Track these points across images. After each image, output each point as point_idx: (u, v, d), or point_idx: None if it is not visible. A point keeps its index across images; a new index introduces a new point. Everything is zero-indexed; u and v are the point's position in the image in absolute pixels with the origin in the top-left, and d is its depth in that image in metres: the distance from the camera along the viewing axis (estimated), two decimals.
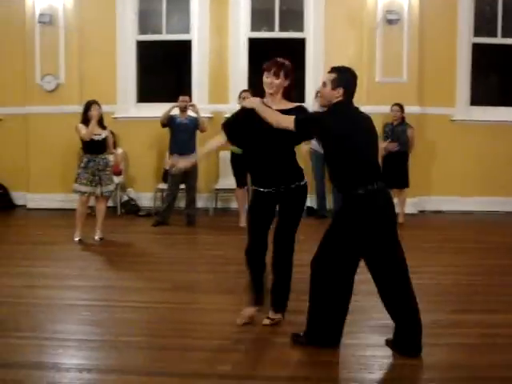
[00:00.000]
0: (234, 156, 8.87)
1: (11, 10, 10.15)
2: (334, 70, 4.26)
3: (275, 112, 4.42)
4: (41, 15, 9.84)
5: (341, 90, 4.21)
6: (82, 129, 7.66)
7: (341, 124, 4.17)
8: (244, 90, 9.01)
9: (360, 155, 4.16)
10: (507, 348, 4.33)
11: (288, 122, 4.27)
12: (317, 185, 9.54)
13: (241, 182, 8.94)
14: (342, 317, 4.24)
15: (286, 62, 4.61)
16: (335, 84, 4.21)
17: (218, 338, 4.50)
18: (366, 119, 4.41)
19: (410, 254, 6.80)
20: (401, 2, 9.67)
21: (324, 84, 4.27)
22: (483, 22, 10.26)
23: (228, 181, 9.59)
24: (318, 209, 9.64)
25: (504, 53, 10.47)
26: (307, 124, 4.30)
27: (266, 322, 4.70)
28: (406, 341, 4.16)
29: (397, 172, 9.06)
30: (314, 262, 4.24)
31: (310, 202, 9.88)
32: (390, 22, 9.65)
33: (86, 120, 7.68)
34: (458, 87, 10.16)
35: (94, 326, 4.76)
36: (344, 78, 4.24)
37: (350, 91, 4.28)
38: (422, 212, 10.04)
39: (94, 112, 7.63)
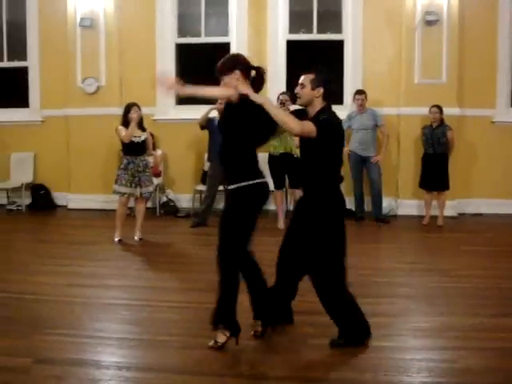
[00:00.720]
0: (271, 158, 8.91)
1: (53, 15, 10.36)
2: (311, 70, 4.32)
3: (285, 112, 4.43)
4: (82, 19, 10.00)
5: (321, 90, 4.28)
6: (122, 131, 7.76)
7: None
8: (282, 93, 9.03)
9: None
10: None
11: (296, 123, 4.20)
12: (355, 186, 9.52)
13: (279, 184, 8.97)
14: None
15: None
16: (315, 84, 4.28)
17: (254, 339, 4.53)
18: None
19: (449, 258, 6.82)
20: (440, 2, 9.57)
21: (302, 85, 4.32)
22: None
23: None
24: (356, 211, 9.61)
25: None
26: (328, 127, 4.29)
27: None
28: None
29: (437, 174, 9.01)
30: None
31: (349, 203, 9.88)
32: (428, 23, 9.57)
33: (126, 122, 7.78)
34: (499, 88, 10.02)
35: (132, 325, 4.83)
36: (322, 77, 4.31)
37: (329, 90, 4.33)
38: (461, 215, 9.93)
39: (133, 114, 7.73)
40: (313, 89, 4.28)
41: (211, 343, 4.31)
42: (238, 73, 4.49)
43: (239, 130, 4.32)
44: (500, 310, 5.21)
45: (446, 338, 4.25)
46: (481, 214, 10.01)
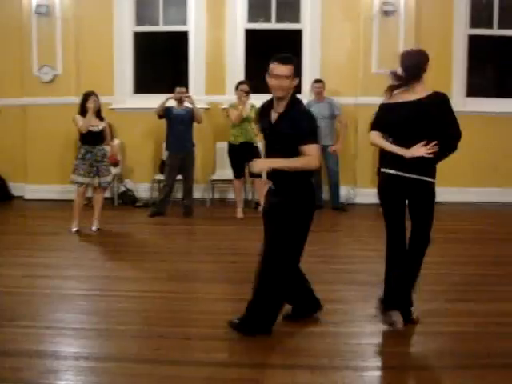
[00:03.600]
0: (231, 147, 8.93)
1: (8, 2, 10.16)
2: (289, 60, 4.18)
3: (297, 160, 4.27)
4: (38, 6, 9.81)
5: (297, 79, 4.24)
6: (80, 120, 7.68)
7: None
8: (241, 82, 9.05)
9: None
10: (498, 336, 4.40)
11: (315, 160, 4.25)
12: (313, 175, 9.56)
13: (238, 173, 8.99)
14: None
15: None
16: (295, 74, 4.20)
17: (214, 326, 4.55)
18: None
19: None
20: None
21: (287, 77, 4.14)
22: (479, 14, 10.27)
23: (225, 171, 9.63)
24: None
25: (500, 44, 10.50)
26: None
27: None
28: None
29: None
30: None
31: None
32: (386, 13, 9.66)
33: (83, 111, 7.70)
34: (454, 78, 10.17)
35: (91, 316, 4.81)
36: (297, 67, 4.27)
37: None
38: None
39: (91, 103, 7.66)
40: (293, 79, 4.17)
41: None
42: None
43: None
44: (455, 295, 5.32)
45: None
46: (441, 203, 10.11)
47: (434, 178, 4.52)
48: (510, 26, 10.26)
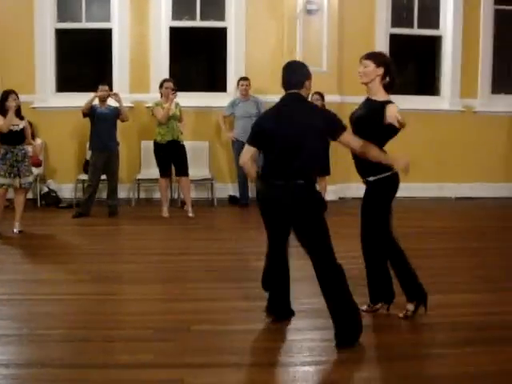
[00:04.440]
0: (157, 146, 8.85)
1: None
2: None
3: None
4: None
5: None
6: (0, 119, 7.48)
7: None
8: (165, 80, 8.99)
9: None
10: (416, 327, 4.60)
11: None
12: (239, 173, 9.58)
13: (164, 172, 8.92)
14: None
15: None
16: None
17: (139, 327, 4.52)
18: None
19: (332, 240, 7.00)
20: None
21: None
22: (400, 13, 10.54)
23: (150, 170, 9.54)
24: (240, 197, 9.71)
25: (420, 43, 10.80)
26: None
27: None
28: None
29: None
30: None
31: (233, 190, 9.99)
32: (309, 12, 9.77)
33: (3, 110, 7.49)
34: None
35: (10, 321, 4.67)
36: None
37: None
38: (342, 199, 10.25)
39: (11, 102, 7.46)
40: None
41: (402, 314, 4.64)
42: (381, 70, 4.56)
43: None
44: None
45: (327, 318, 4.37)
46: (361, 198, 10.32)
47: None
48: (429, 26, 10.59)
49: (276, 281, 4.56)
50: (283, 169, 4.21)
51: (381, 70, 4.55)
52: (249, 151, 4.41)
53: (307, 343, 4.28)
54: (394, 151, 10.01)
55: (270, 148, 4.27)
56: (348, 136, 4.38)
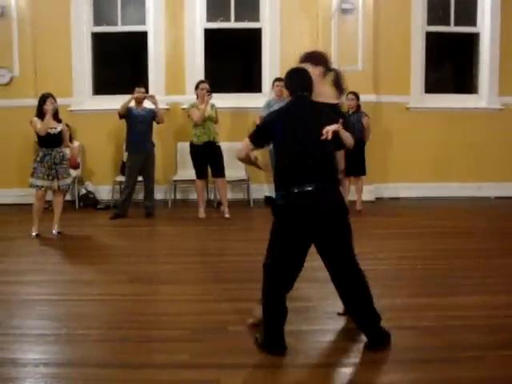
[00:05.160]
0: (194, 147, 8.89)
1: None
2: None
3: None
4: None
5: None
6: (38, 123, 7.58)
7: None
8: (201, 81, 9.03)
9: None
10: (456, 330, 4.44)
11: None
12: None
13: (201, 173, 8.95)
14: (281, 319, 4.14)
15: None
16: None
17: (176, 328, 4.53)
18: None
19: (368, 241, 6.98)
20: None
21: None
22: (436, 11, 10.42)
23: (186, 172, 9.59)
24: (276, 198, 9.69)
25: (456, 41, 10.66)
26: None
27: None
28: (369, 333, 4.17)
29: (354, 160, 9.14)
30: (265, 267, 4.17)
31: (269, 191, 9.97)
32: (344, 11, 9.73)
33: (41, 113, 7.60)
34: (413, 75, 10.30)
35: (51, 321, 4.74)
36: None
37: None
38: (379, 199, 10.17)
39: (49, 105, 7.56)
40: None
41: None
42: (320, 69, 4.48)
43: None
44: (415, 290, 5.38)
45: None
46: (398, 198, 10.27)
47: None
48: (466, 23, 10.44)
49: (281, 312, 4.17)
50: (309, 172, 4.04)
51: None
52: (248, 147, 4.29)
53: (340, 344, 4.26)
54: (432, 150, 10.07)
55: (285, 151, 4.11)
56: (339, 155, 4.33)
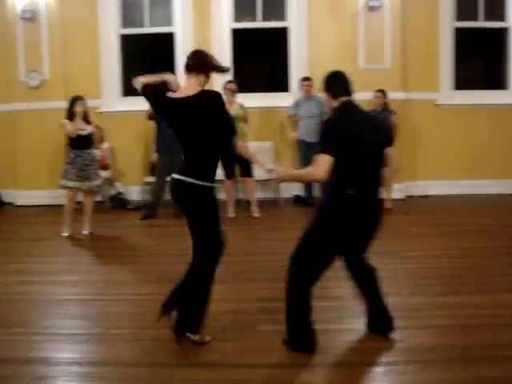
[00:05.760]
0: None
1: None
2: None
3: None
4: (23, 11, 9.80)
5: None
6: (68, 125, 7.66)
7: None
8: (229, 81, 9.04)
9: None
10: (491, 328, 4.41)
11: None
12: None
13: (229, 174, 8.98)
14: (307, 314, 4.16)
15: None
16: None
17: (206, 327, 4.53)
18: None
19: (398, 240, 6.95)
20: None
21: None
22: (465, 6, 10.31)
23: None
24: (306, 197, 9.70)
25: (486, 36, 10.54)
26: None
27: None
28: (382, 322, 4.31)
29: None
30: (293, 259, 4.18)
31: (299, 190, 9.96)
32: (371, 8, 9.69)
33: (71, 116, 7.68)
34: (442, 72, 10.22)
35: (83, 320, 4.80)
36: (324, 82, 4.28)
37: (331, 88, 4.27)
38: (409, 197, 10.10)
39: (78, 108, 7.64)
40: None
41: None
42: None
43: None
44: (445, 288, 5.35)
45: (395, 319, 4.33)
46: (428, 196, 10.19)
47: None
48: (495, 18, 10.32)
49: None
50: (372, 177, 4.10)
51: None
52: (328, 162, 3.96)
53: (369, 344, 4.24)
54: (461, 147, 9.96)
55: (351, 157, 4.00)
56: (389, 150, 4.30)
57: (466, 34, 10.33)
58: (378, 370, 3.90)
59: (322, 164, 3.96)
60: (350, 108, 4.16)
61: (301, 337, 4.11)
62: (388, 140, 4.27)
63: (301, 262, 4.13)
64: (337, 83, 4.22)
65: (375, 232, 4.19)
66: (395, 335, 4.23)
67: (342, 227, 4.04)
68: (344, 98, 4.14)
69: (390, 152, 4.31)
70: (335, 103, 4.16)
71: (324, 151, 3.97)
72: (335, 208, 4.07)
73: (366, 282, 4.35)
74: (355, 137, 3.96)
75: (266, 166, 4.44)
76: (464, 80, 10.51)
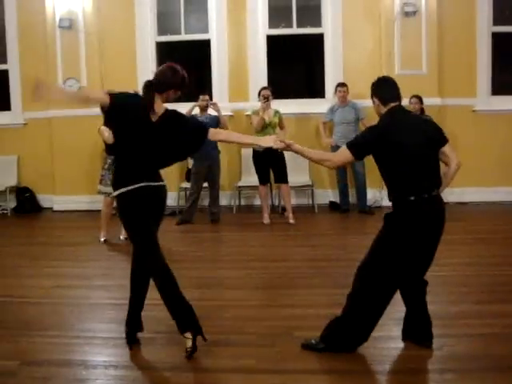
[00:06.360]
0: (255, 153, 8.93)
1: (32, 17, 10.34)
2: None
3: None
4: (61, 20, 9.99)
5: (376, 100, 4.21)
6: (105, 131, 7.71)
7: None
8: (264, 88, 9.06)
9: None
10: None
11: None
12: (339, 178, 9.57)
13: (263, 179, 8.99)
14: (374, 325, 4.16)
15: None
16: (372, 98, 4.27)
17: (241, 332, 4.56)
18: None
19: None
20: None
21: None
22: (502, 11, 10.20)
23: (251, 178, 9.65)
24: (341, 203, 9.67)
25: None
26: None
27: None
28: (422, 332, 4.24)
29: None
30: (362, 269, 4.15)
31: (334, 196, 9.94)
32: (407, 14, 9.64)
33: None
34: (479, 77, 10.10)
35: (119, 324, 4.81)
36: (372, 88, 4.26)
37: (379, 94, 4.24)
38: (445, 204, 9.97)
39: None
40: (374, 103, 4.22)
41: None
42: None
43: None
44: (483, 296, 5.26)
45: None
46: (464, 203, 10.07)
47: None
48: None
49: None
50: (428, 179, 4.09)
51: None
52: (346, 156, 4.15)
53: (406, 351, 4.20)
54: (498, 153, 9.80)
55: (399, 162, 4.03)
56: (449, 148, 4.23)
57: (503, 38, 10.20)
58: (414, 378, 3.86)
59: (341, 155, 4.16)
60: (399, 113, 4.14)
61: (349, 342, 4.13)
62: (439, 138, 4.19)
63: (370, 273, 4.09)
64: (386, 89, 4.21)
65: (439, 237, 4.20)
66: (435, 343, 4.18)
67: (410, 234, 4.01)
68: (393, 104, 4.13)
69: (449, 150, 4.22)
70: (384, 109, 4.15)
71: (350, 147, 4.10)
72: (399, 216, 4.06)
73: (416, 293, 4.26)
74: (399, 142, 3.96)
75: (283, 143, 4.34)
76: (501, 85, 10.38)
